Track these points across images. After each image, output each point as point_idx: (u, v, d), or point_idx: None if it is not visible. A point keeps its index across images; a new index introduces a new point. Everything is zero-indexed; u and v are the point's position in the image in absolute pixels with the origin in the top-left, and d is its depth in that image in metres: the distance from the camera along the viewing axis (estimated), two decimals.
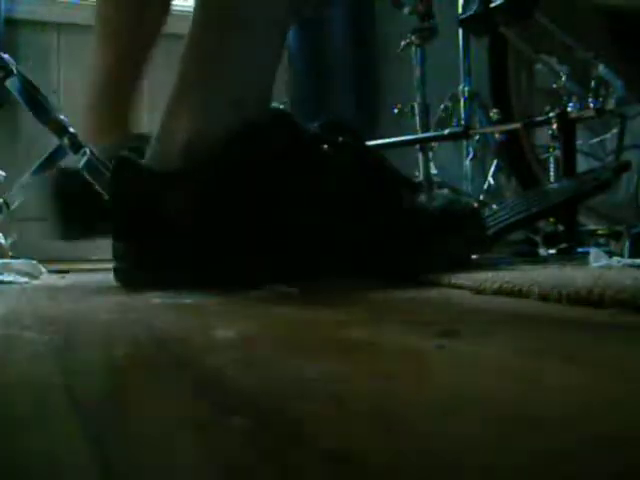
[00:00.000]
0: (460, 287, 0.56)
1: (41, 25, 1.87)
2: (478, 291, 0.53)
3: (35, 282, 0.78)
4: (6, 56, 0.89)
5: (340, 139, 0.70)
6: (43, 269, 0.86)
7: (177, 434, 0.19)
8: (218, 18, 0.69)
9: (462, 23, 1.41)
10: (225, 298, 0.56)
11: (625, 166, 0.99)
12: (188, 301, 0.54)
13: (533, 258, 0.95)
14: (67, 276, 0.91)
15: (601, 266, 0.71)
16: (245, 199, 0.65)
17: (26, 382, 0.27)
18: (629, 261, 0.77)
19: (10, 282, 0.75)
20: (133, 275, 0.67)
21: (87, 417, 0.21)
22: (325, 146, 0.69)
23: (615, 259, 0.77)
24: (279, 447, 0.18)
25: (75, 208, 0.83)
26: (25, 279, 0.78)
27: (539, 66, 1.45)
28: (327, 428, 0.20)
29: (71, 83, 1.94)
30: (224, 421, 0.20)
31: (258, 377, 0.26)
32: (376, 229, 0.70)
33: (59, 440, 0.19)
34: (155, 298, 0.56)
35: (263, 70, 0.71)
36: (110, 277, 0.68)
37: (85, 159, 0.82)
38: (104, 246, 1.75)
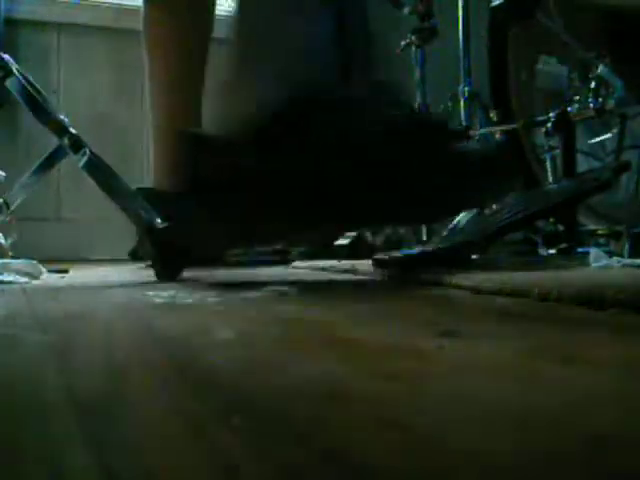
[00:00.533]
0: (460, 287, 0.56)
1: (41, 25, 1.87)
2: (478, 291, 0.53)
3: (35, 282, 0.78)
4: (6, 56, 0.89)
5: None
6: (43, 269, 0.86)
7: (177, 434, 0.19)
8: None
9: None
10: (225, 298, 0.56)
11: (625, 166, 0.99)
12: (188, 301, 0.54)
13: (533, 258, 0.95)
14: (67, 276, 0.91)
15: (601, 266, 0.71)
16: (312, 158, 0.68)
17: (26, 382, 0.27)
18: (629, 261, 0.77)
19: (10, 282, 0.75)
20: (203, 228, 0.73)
21: (87, 417, 0.21)
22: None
23: (615, 259, 0.77)
24: (279, 447, 0.18)
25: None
26: (25, 279, 0.78)
27: (539, 66, 1.45)
28: (327, 428, 0.20)
29: (71, 83, 1.95)
30: (223, 421, 0.20)
31: (257, 377, 0.26)
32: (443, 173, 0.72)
33: (59, 440, 0.19)
34: (155, 298, 0.56)
35: (315, 45, 0.77)
36: (109, 277, 0.68)
37: (85, 159, 0.82)
38: (104, 246, 1.74)
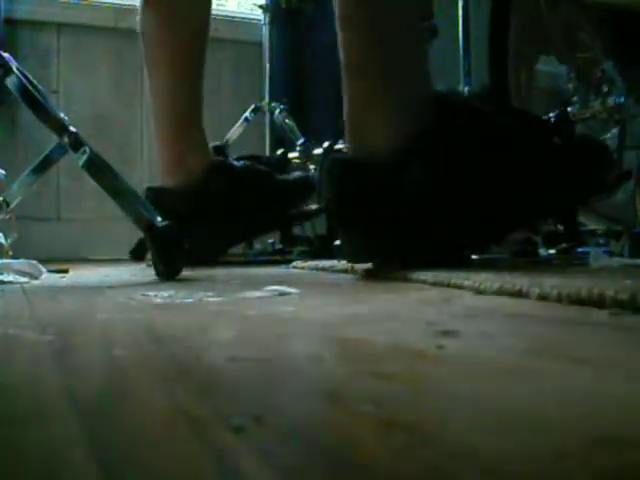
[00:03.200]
0: (460, 287, 0.56)
1: (41, 25, 1.87)
2: (478, 291, 0.53)
3: (35, 282, 0.78)
4: (6, 55, 0.89)
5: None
6: (43, 269, 0.86)
7: (177, 434, 0.19)
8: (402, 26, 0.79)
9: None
10: (225, 298, 0.56)
11: (627, 175, 1.00)
12: (188, 301, 0.54)
13: (533, 258, 0.95)
14: (67, 276, 0.91)
15: (601, 266, 0.71)
16: (453, 179, 0.74)
17: (26, 382, 0.27)
18: (629, 261, 0.77)
19: (10, 282, 0.75)
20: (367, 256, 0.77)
21: (86, 417, 0.21)
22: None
23: (615, 259, 0.77)
24: (279, 447, 0.18)
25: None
26: (25, 279, 0.78)
27: (539, 66, 1.45)
28: (326, 427, 0.20)
29: (71, 83, 1.94)
30: (224, 421, 0.20)
31: (257, 376, 0.26)
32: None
33: (58, 440, 0.19)
34: (155, 298, 0.56)
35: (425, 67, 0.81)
36: (110, 277, 0.68)
37: (85, 158, 0.82)
38: (104, 246, 1.74)
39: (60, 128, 0.84)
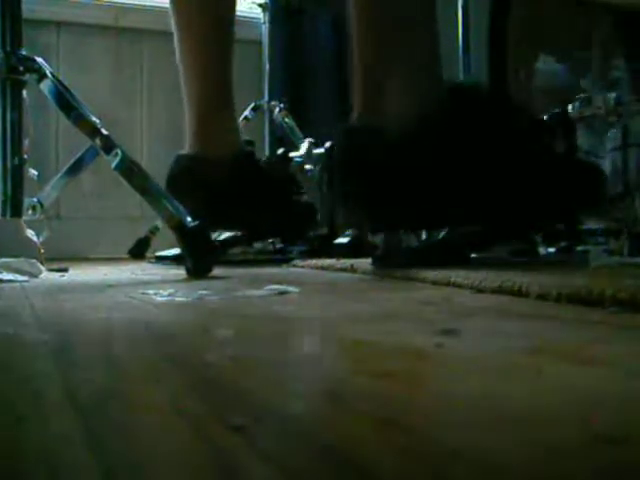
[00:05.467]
0: (460, 286, 0.56)
1: (41, 24, 1.86)
2: (478, 290, 0.53)
3: (35, 281, 0.78)
4: (40, 59, 0.90)
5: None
6: (43, 268, 0.86)
7: (177, 433, 0.19)
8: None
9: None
10: (225, 297, 0.56)
11: (621, 197, 1.01)
12: (188, 300, 0.54)
13: (533, 257, 0.95)
14: (67, 275, 0.91)
15: (600, 265, 0.71)
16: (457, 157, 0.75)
17: (25, 381, 0.27)
18: (628, 260, 0.77)
19: (10, 281, 0.75)
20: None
21: (86, 416, 0.21)
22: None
23: (615, 258, 0.77)
24: (279, 446, 0.18)
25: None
26: (25, 277, 0.78)
27: (539, 64, 1.45)
28: (327, 427, 0.20)
29: (71, 82, 1.94)
30: (224, 420, 0.20)
31: (257, 376, 0.26)
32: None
33: (58, 439, 0.19)
34: (155, 297, 0.56)
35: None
36: (109, 275, 0.68)
37: (117, 160, 0.83)
38: (104, 245, 1.74)
39: (92, 131, 0.85)
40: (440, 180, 0.75)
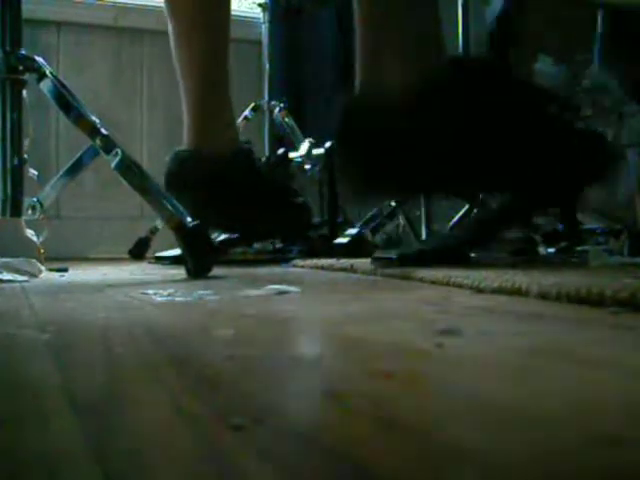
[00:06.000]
0: (460, 286, 0.56)
1: (41, 24, 1.86)
2: (478, 290, 0.53)
3: (35, 280, 0.78)
4: (40, 59, 0.90)
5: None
6: (43, 267, 0.86)
7: (176, 433, 0.19)
8: None
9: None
10: (225, 296, 0.56)
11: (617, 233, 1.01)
12: (188, 299, 0.54)
13: (533, 257, 0.95)
14: (66, 274, 0.91)
15: (600, 265, 0.71)
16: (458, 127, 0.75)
17: (25, 380, 0.27)
18: (628, 260, 0.77)
19: (10, 281, 0.75)
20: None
21: (86, 416, 0.21)
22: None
23: (615, 258, 0.77)
24: (279, 447, 0.18)
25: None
26: (25, 277, 0.78)
27: (537, 65, 1.45)
28: (327, 427, 0.20)
29: (71, 82, 1.94)
30: (223, 420, 0.20)
31: (257, 376, 0.26)
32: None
33: (58, 439, 0.19)
34: (155, 297, 0.56)
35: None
36: (109, 275, 0.68)
37: (117, 160, 0.83)
38: (104, 245, 1.74)
39: (92, 131, 0.85)
40: (442, 147, 0.74)
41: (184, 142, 1.20)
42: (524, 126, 0.77)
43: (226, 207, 1.17)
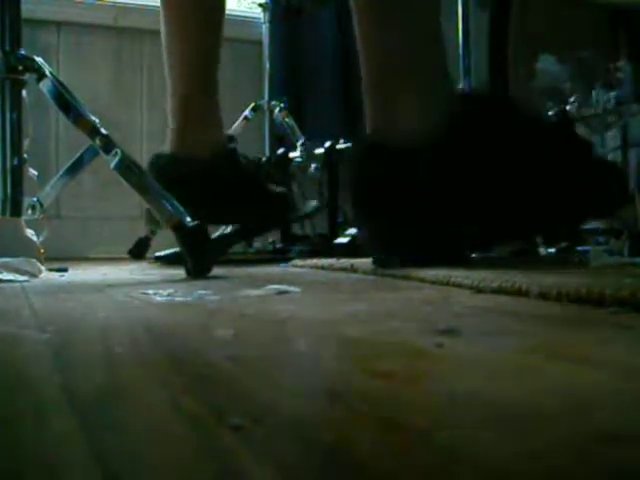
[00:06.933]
0: (460, 286, 0.56)
1: (41, 24, 1.86)
2: (478, 290, 0.53)
3: (35, 280, 0.78)
4: (39, 59, 0.90)
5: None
6: (42, 267, 0.85)
7: (176, 433, 0.19)
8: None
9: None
10: (224, 296, 0.56)
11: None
12: (188, 299, 0.54)
13: (533, 257, 0.95)
14: (66, 274, 0.91)
15: (600, 265, 0.71)
16: (473, 171, 0.75)
17: (25, 380, 0.27)
18: (628, 260, 0.77)
19: (10, 280, 0.75)
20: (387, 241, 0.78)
21: (86, 416, 0.21)
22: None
23: (615, 258, 0.77)
24: (279, 446, 0.18)
25: None
26: (25, 277, 0.78)
27: (539, 64, 1.45)
28: (327, 427, 0.19)
29: (71, 82, 1.94)
30: (223, 420, 0.20)
31: (257, 375, 0.26)
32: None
33: (58, 439, 0.19)
34: (155, 296, 0.56)
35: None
36: (109, 275, 0.68)
37: (117, 160, 0.83)
38: (104, 244, 1.73)
39: (92, 131, 0.85)
40: (462, 197, 0.74)
41: (167, 143, 1.20)
42: (542, 165, 0.76)
43: (208, 209, 1.17)
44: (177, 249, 0.96)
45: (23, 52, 0.91)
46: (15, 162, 0.90)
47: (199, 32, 1.19)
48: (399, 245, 0.77)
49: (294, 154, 1.51)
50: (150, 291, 0.59)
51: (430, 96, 0.77)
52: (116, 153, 0.83)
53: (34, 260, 0.84)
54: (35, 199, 0.90)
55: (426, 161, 0.74)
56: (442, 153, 0.74)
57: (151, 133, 1.93)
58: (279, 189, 1.33)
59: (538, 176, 0.75)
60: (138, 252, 1.41)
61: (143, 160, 1.97)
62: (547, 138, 0.79)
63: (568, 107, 1.16)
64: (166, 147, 1.20)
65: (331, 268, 0.89)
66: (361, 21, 0.79)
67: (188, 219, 0.82)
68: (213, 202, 1.17)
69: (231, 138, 1.35)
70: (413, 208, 0.74)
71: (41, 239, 0.91)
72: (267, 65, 1.93)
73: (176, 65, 1.19)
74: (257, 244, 1.47)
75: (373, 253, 0.80)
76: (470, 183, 0.74)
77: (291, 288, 0.58)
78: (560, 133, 0.82)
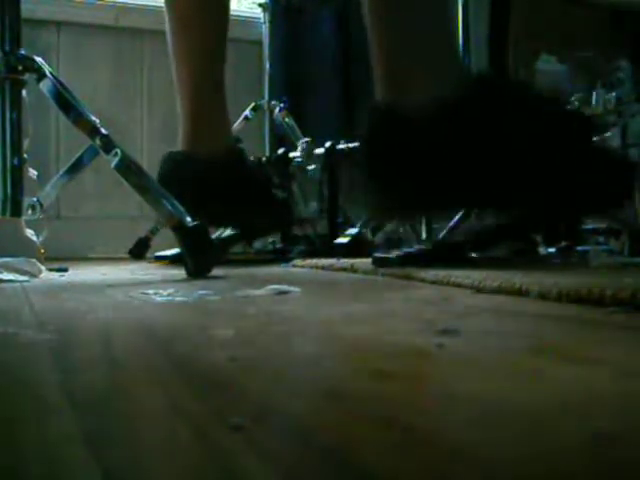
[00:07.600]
0: (460, 285, 0.56)
1: (41, 24, 1.86)
2: (478, 290, 0.53)
3: (35, 280, 0.78)
4: (39, 59, 0.90)
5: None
6: (43, 267, 0.85)
7: (176, 433, 0.19)
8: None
9: None
10: (224, 296, 0.56)
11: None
12: (188, 299, 0.54)
13: (533, 257, 0.95)
14: (66, 274, 0.91)
15: (600, 265, 0.71)
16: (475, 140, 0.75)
17: (25, 380, 0.27)
18: (628, 260, 0.77)
19: (10, 280, 0.75)
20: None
21: (86, 416, 0.21)
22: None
23: (615, 258, 0.77)
24: (279, 446, 0.18)
25: None
26: (25, 277, 0.78)
27: (539, 64, 1.45)
28: (327, 427, 0.19)
29: (71, 82, 1.94)
30: (223, 420, 0.20)
31: (257, 375, 0.26)
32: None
33: (58, 439, 0.19)
34: (155, 297, 0.56)
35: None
36: (109, 275, 0.68)
37: (117, 160, 0.83)
38: (104, 245, 1.73)
39: (92, 130, 0.85)
40: (468, 164, 0.75)
41: (179, 143, 1.21)
42: (554, 144, 0.76)
43: (220, 207, 1.17)
44: (177, 249, 0.96)
45: (23, 52, 0.91)
46: (15, 162, 0.90)
47: (204, 32, 1.19)
48: (410, 208, 0.78)
49: (294, 154, 1.51)
50: (150, 291, 0.59)
51: (444, 68, 0.78)
52: (116, 153, 0.83)
53: (34, 260, 0.84)
54: (35, 199, 0.90)
55: (438, 129, 0.74)
56: (454, 122, 0.74)
57: (151, 133, 1.93)
58: (281, 194, 1.34)
59: (545, 151, 0.76)
60: (138, 252, 1.41)
61: (143, 160, 1.98)
62: (556, 120, 0.79)
63: (568, 107, 1.16)
64: (178, 146, 1.21)
65: (331, 268, 0.89)
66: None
67: (188, 219, 0.82)
68: (227, 201, 1.17)
69: (238, 139, 1.35)
70: (424, 175, 0.75)
71: (41, 239, 0.91)
72: (267, 65, 1.93)
73: (182, 65, 1.20)
74: (257, 244, 1.47)
75: (381, 216, 0.82)
76: (477, 153, 0.75)
77: (291, 288, 0.58)
78: (572, 117, 0.83)
